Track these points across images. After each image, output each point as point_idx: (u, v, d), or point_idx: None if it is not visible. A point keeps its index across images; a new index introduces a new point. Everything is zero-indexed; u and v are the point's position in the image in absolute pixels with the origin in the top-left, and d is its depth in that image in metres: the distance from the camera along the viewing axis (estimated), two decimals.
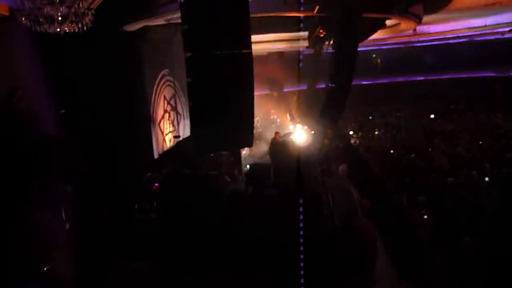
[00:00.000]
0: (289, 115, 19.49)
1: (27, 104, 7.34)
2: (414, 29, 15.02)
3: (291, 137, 14.61)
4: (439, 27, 18.42)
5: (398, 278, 7.89)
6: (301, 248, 6.18)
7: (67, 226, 7.59)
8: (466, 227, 7.25)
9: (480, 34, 19.73)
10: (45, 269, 7.35)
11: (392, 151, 14.47)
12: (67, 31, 5.85)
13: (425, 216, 8.20)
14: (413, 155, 12.91)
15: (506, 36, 19.15)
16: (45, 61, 7.72)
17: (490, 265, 6.12)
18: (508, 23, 15.77)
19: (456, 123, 19.64)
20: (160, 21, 10.79)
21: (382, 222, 9.28)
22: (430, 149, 14.07)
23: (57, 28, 5.76)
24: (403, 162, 12.37)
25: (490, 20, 16.26)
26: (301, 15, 11.35)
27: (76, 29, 5.90)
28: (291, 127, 17.48)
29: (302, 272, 5.98)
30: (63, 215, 7.59)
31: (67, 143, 7.99)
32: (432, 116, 22.07)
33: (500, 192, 9.01)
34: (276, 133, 14.72)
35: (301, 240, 6.44)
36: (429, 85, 27.13)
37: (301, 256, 6.08)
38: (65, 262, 7.40)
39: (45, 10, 5.38)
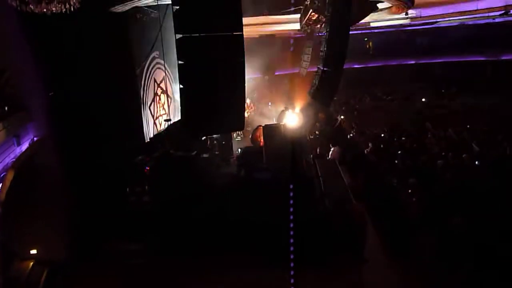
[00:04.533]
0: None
1: (15, 86, 7.24)
2: (406, 13, 14.96)
3: (283, 121, 14.61)
4: (431, 11, 18.36)
5: (388, 258, 8.04)
6: (292, 230, 6.25)
7: (59, 208, 7.57)
8: (455, 208, 7.37)
9: (472, 18, 19.71)
10: (32, 252, 7.37)
11: (383, 134, 14.56)
12: (54, 11, 5.73)
13: (414, 199, 8.31)
14: (404, 138, 13.01)
15: (497, 20, 19.18)
16: (33, 43, 7.58)
17: (478, 244, 6.24)
18: (499, 7, 15.75)
19: (447, 107, 19.77)
20: (149, 2, 10.61)
21: (373, 204, 9.40)
22: (421, 132, 14.18)
23: (43, 9, 5.63)
24: (394, 145, 12.46)
25: (481, 4, 16.24)
26: None
27: (63, 10, 5.78)
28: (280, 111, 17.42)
29: (293, 252, 6.06)
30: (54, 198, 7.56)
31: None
32: (423, 99, 22.19)
33: (489, 174, 9.14)
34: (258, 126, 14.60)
35: (292, 222, 6.51)
36: (420, 69, 27.18)
37: (292, 238, 6.15)
38: (56, 244, 7.41)
39: None
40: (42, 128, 8.06)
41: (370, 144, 12.98)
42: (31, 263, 7.48)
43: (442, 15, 19.29)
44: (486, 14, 17.56)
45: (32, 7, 5.53)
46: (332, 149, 13.18)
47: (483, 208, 7.26)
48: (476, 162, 10.25)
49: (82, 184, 8.37)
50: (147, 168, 9.91)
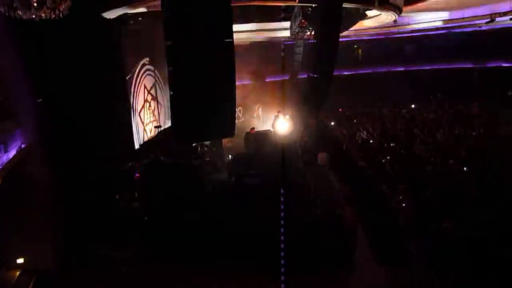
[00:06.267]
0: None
1: (3, 92, 7.16)
2: (395, 20, 15.16)
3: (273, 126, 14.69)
4: (418, 19, 18.63)
5: (378, 263, 8.07)
6: (283, 236, 6.25)
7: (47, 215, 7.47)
8: (444, 214, 7.44)
9: (459, 26, 20.03)
10: (19, 260, 7.25)
11: (372, 141, 14.66)
12: (43, 17, 5.68)
13: (404, 204, 8.37)
14: (393, 144, 13.12)
15: (483, 28, 19.52)
16: (22, 49, 7.51)
17: (467, 249, 6.31)
18: (485, 15, 16.04)
19: (435, 113, 19.99)
20: (140, 9, 10.60)
21: (362, 210, 9.45)
22: (410, 138, 14.31)
23: (33, 14, 5.58)
24: (384, 151, 12.56)
25: (468, 12, 16.53)
26: (283, 4, 11.32)
27: (53, 16, 5.73)
28: (272, 117, 17.50)
29: (283, 259, 6.05)
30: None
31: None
32: (412, 106, 22.43)
33: (476, 179, 9.25)
34: (252, 128, 14.77)
35: (283, 228, 6.51)
36: (409, 76, 27.49)
37: (283, 244, 6.15)
38: (45, 252, 7.30)
39: None
40: (30, 135, 7.96)
41: (359, 150, 13.06)
42: (18, 272, 7.36)
43: (430, 23, 19.60)
44: (473, 22, 17.87)
45: (20, 13, 5.47)
46: (319, 154, 13.20)
47: (471, 213, 7.35)
48: (465, 168, 10.39)
49: (71, 191, 8.28)
50: (137, 174, 9.85)
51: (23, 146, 7.90)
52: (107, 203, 8.88)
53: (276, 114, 15.98)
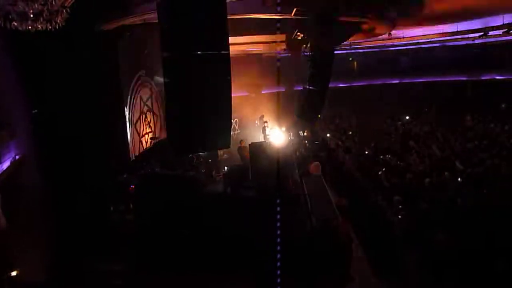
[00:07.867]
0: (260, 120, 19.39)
1: None
2: (389, 33, 15.32)
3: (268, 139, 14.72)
4: (413, 32, 18.84)
5: (374, 276, 8.02)
6: (279, 249, 6.21)
7: (40, 227, 7.39)
8: (439, 226, 7.43)
9: (452, 39, 20.26)
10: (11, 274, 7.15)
11: (367, 152, 14.70)
12: (40, 28, 5.70)
13: (399, 216, 8.36)
14: (389, 156, 13.15)
15: (477, 41, 19.77)
16: (17, 60, 7.51)
17: (461, 261, 6.29)
18: (478, 29, 16.27)
19: (430, 125, 20.09)
20: (136, 21, 10.66)
21: (358, 221, 9.42)
22: (405, 150, 14.36)
23: (29, 26, 5.60)
24: (380, 163, 12.58)
25: (461, 26, 16.75)
26: (279, 17, 11.40)
27: (50, 27, 5.75)
28: (268, 130, 17.53)
29: (279, 272, 6.00)
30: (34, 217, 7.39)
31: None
32: (407, 118, 22.56)
33: (472, 191, 9.28)
34: (241, 141, 14.79)
35: (279, 241, 6.47)
36: (404, 88, 27.71)
37: (279, 256, 6.10)
38: (37, 265, 7.20)
39: (18, 6, 5.21)
40: (24, 146, 7.93)
41: (355, 162, 13.07)
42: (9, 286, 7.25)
43: (424, 36, 19.83)
44: (466, 36, 18.10)
45: (16, 24, 5.48)
46: (312, 163, 13.12)
47: (467, 225, 7.35)
48: (459, 179, 10.42)
49: (65, 203, 8.22)
50: (132, 186, 9.81)
51: (17, 157, 7.86)
52: (101, 215, 8.81)
53: (263, 123, 16.00)
